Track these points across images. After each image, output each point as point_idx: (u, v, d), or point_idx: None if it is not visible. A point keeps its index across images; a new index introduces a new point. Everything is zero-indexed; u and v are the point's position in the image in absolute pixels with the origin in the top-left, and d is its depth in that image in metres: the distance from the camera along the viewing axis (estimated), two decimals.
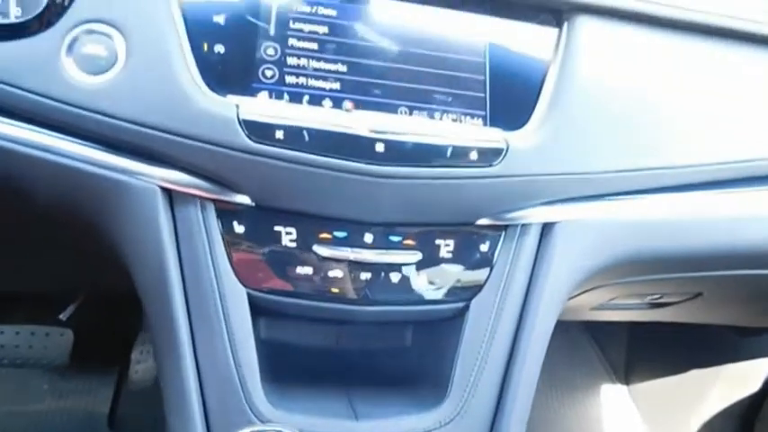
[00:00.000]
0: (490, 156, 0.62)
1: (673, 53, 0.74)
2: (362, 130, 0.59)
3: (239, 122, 0.57)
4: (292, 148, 0.57)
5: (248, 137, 0.57)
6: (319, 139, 0.58)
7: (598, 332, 1.61)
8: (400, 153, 0.60)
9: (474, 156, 0.61)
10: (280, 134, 0.57)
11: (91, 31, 0.57)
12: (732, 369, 1.38)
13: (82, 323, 1.24)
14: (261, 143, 0.57)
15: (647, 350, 1.52)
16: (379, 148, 0.59)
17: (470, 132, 0.63)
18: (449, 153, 0.61)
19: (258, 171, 0.58)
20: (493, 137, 0.63)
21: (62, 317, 1.24)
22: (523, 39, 0.70)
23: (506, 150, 0.62)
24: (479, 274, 0.65)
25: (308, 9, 0.65)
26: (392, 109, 0.64)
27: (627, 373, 1.56)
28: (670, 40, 0.74)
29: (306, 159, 0.58)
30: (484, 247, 0.65)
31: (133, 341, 1.34)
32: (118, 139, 0.57)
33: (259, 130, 0.57)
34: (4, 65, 0.56)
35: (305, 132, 0.58)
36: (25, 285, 1.09)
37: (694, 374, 1.43)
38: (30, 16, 0.58)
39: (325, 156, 0.58)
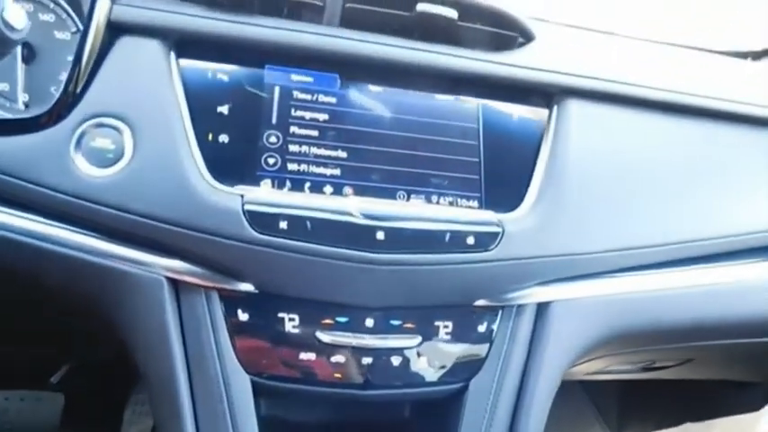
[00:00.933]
0: (487, 240, 0.64)
1: (659, 132, 0.77)
2: (363, 219, 0.61)
3: (244, 214, 0.58)
4: (296, 239, 0.59)
5: (253, 228, 0.58)
6: (322, 229, 0.60)
7: (590, 385, 1.62)
8: (400, 240, 0.61)
9: (471, 241, 0.63)
10: (283, 224, 0.59)
11: (99, 125, 0.59)
12: (727, 422, 1.38)
13: (73, 386, 1.23)
14: (265, 234, 0.58)
15: (641, 403, 1.52)
16: (380, 236, 0.61)
17: (467, 216, 0.65)
18: (447, 239, 0.63)
19: (262, 260, 0.59)
20: (488, 220, 0.65)
21: (53, 380, 1.23)
22: (515, 121, 0.73)
23: (502, 234, 0.64)
24: (478, 355, 0.66)
25: (308, 97, 0.67)
26: (391, 194, 0.66)
27: (620, 427, 1.56)
28: (656, 120, 0.77)
29: (309, 249, 0.59)
30: (481, 328, 0.66)
31: (125, 402, 1.32)
32: (125, 231, 0.58)
33: (263, 222, 0.58)
34: (13, 159, 0.58)
35: (308, 222, 0.59)
36: (18, 350, 1.08)
37: (688, 427, 1.43)
38: (40, 111, 0.59)
39: (327, 245, 0.60)
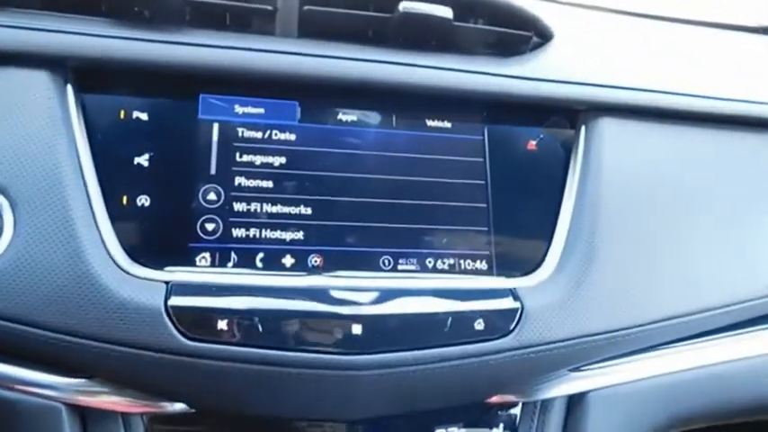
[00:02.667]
0: (501, 323, 0.48)
1: (706, 154, 0.60)
2: (334, 307, 0.45)
3: (167, 313, 0.42)
4: (238, 344, 0.43)
5: (181, 333, 0.42)
6: (276, 328, 0.44)
7: None
8: (383, 336, 0.46)
9: (481, 326, 0.47)
10: (222, 324, 0.43)
11: None
12: None
13: None
14: (197, 341, 0.42)
15: None
16: (356, 330, 0.45)
17: (472, 287, 0.50)
18: (448, 327, 0.47)
19: (197, 374, 0.43)
20: (501, 291, 0.49)
21: None
22: (532, 151, 0.56)
23: (520, 313, 0.48)
24: None
25: (259, 135, 0.51)
26: (372, 262, 0.50)
27: None
28: (701, 137, 0.60)
29: (257, 357, 0.43)
30: (498, 431, 0.51)
31: None
32: (9, 345, 0.42)
33: (194, 322, 0.43)
34: None
35: (255, 319, 0.43)
36: None
37: None
38: None
39: (283, 350, 0.44)
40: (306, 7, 0.51)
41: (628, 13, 0.73)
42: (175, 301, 0.43)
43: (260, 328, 0.43)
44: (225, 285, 0.45)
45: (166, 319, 0.42)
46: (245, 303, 0.44)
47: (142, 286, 0.43)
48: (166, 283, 0.44)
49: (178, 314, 0.43)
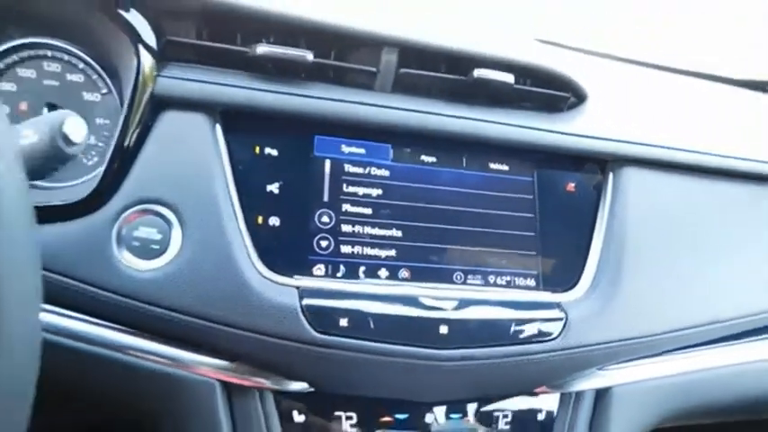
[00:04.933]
0: (551, 330, 0.61)
1: (711, 197, 0.74)
2: (426, 312, 0.58)
3: (302, 312, 0.54)
4: (357, 338, 0.55)
5: (312, 328, 0.54)
6: (384, 326, 0.56)
7: None
8: (464, 334, 0.58)
9: (535, 331, 0.60)
10: (344, 322, 0.55)
11: (144, 212, 0.55)
12: None
13: None
14: (325, 334, 0.54)
15: None
16: (443, 330, 0.57)
17: (528, 301, 0.62)
18: (511, 331, 0.59)
19: (320, 360, 0.55)
20: (550, 305, 0.62)
21: None
22: (570, 191, 0.70)
23: (565, 323, 0.61)
24: None
25: (361, 170, 0.63)
26: (448, 276, 0.62)
27: None
28: (707, 185, 0.74)
29: (371, 348, 0.56)
30: (541, 416, 0.64)
31: None
32: (173, 331, 0.54)
33: (323, 320, 0.55)
34: (53, 251, 0.53)
35: (370, 320, 0.56)
36: None
37: None
38: (79, 195, 0.55)
39: (390, 343, 0.56)
40: (401, 70, 0.64)
41: (652, 66, 0.87)
42: (306, 302, 0.55)
43: (371, 325, 0.56)
44: (342, 291, 0.57)
45: (301, 316, 0.54)
46: (358, 306, 0.56)
47: (280, 290, 0.55)
48: (297, 287, 0.56)
49: (309, 312, 0.54)
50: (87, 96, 0.66)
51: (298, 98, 0.61)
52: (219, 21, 0.60)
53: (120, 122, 0.61)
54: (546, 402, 0.64)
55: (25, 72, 0.64)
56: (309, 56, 0.59)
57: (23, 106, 0.64)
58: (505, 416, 0.62)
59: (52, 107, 0.64)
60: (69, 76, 0.65)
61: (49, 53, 0.64)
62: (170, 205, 0.55)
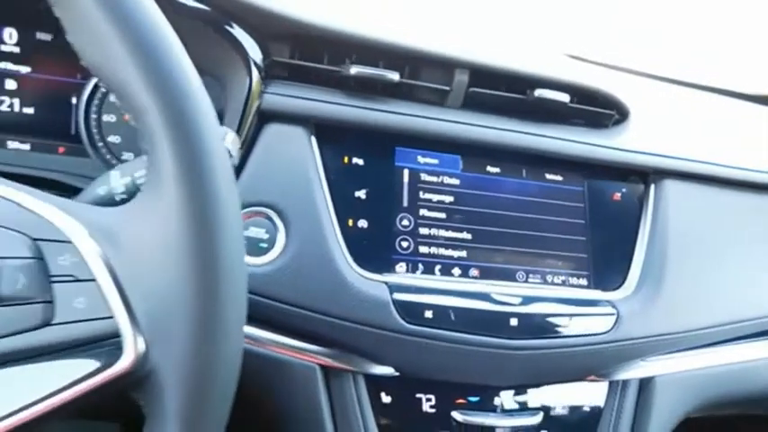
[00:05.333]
0: (604, 324, 0.68)
1: (741, 208, 0.82)
2: (498, 306, 0.65)
3: (393, 304, 0.61)
4: (440, 327, 0.62)
5: (402, 318, 0.61)
6: (463, 318, 0.63)
7: None
8: (530, 327, 0.65)
9: (590, 324, 0.68)
10: (429, 314, 0.62)
11: (253, 214, 0.61)
12: None
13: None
14: (413, 324, 0.61)
15: None
16: (513, 322, 0.65)
17: (583, 298, 0.70)
18: (570, 324, 0.67)
19: (406, 347, 0.62)
20: (603, 302, 0.70)
21: None
22: (616, 200, 0.77)
23: (617, 318, 0.68)
24: (589, 427, 0.71)
25: (435, 179, 0.70)
26: (512, 275, 0.70)
27: None
28: (739, 196, 0.82)
29: (451, 337, 0.63)
30: (592, 402, 0.71)
31: None
32: (278, 320, 0.60)
33: (411, 312, 0.62)
34: None
35: (451, 312, 0.63)
36: None
37: None
38: None
39: (468, 333, 0.63)
40: (471, 89, 0.71)
41: (689, 85, 0.94)
42: (396, 296, 0.62)
43: (452, 317, 0.63)
44: (423, 287, 0.64)
45: (393, 308, 0.61)
46: (439, 300, 0.63)
47: (372, 285, 0.62)
48: (386, 283, 0.63)
49: (399, 305, 0.62)
50: None
51: (381, 113, 0.68)
52: (313, 43, 0.67)
53: None
54: (596, 389, 0.71)
55: None
56: (396, 76, 0.66)
57: (128, 116, 0.71)
58: (562, 401, 0.69)
59: None
60: None
61: None
62: (275, 208, 0.62)
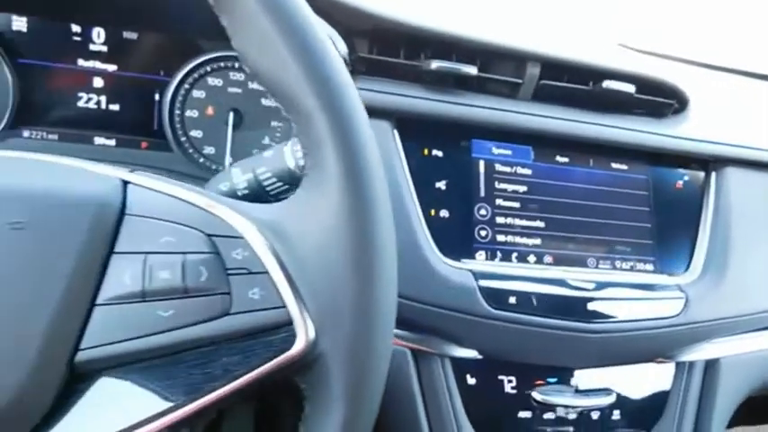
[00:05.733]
0: (674, 308, 0.71)
1: None
2: (576, 292, 0.68)
3: (479, 290, 0.64)
4: (523, 312, 0.65)
5: (488, 304, 0.64)
6: (544, 303, 0.66)
7: None
8: (605, 311, 0.68)
9: (662, 308, 0.70)
10: (512, 299, 0.65)
11: None
12: None
13: None
14: (498, 309, 0.64)
15: None
16: (591, 307, 0.67)
17: (654, 284, 0.72)
18: (644, 308, 0.70)
19: (490, 331, 0.65)
20: (672, 287, 0.72)
21: None
22: (678, 188, 0.80)
23: (686, 302, 0.71)
24: (658, 406, 0.74)
25: (508, 169, 0.73)
26: (584, 262, 0.72)
27: None
28: None
29: (533, 321, 0.66)
30: (660, 383, 0.74)
31: None
32: None
33: (495, 297, 0.65)
34: None
35: (533, 297, 0.66)
36: None
37: None
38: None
39: (549, 317, 0.66)
40: (542, 81, 0.73)
41: (746, 74, 0.96)
42: (481, 283, 0.65)
43: (534, 302, 0.66)
44: (503, 274, 0.67)
45: (479, 294, 0.64)
46: (521, 286, 0.66)
47: (458, 272, 0.65)
48: (470, 270, 0.66)
49: (484, 291, 0.64)
50: (265, 102, 0.75)
51: (458, 106, 0.70)
52: (391, 37, 0.69)
53: None
54: (664, 371, 0.74)
55: (214, 81, 0.73)
56: (474, 70, 0.69)
57: (210, 111, 0.74)
58: (633, 382, 0.72)
59: (236, 112, 0.74)
60: (251, 84, 0.74)
61: (236, 64, 0.73)
62: None
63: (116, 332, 0.34)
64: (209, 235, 0.36)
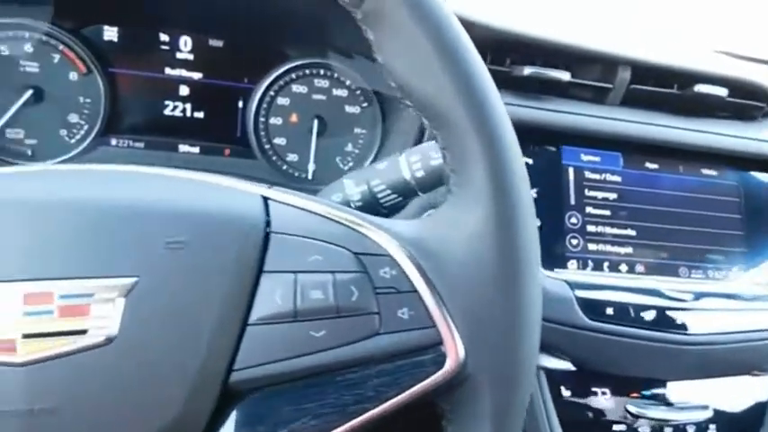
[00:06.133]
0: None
1: None
2: (673, 302, 0.66)
3: (576, 302, 0.63)
4: (620, 323, 0.64)
5: (585, 314, 0.63)
6: (640, 314, 0.64)
7: None
8: (701, 323, 0.66)
9: (758, 320, 0.68)
10: (609, 310, 0.64)
11: None
12: None
13: None
14: (595, 320, 0.63)
15: None
16: (686, 318, 0.66)
17: (748, 295, 0.70)
18: (742, 320, 0.67)
19: (586, 343, 0.64)
20: (764, 298, 0.70)
21: None
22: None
23: None
24: (755, 417, 0.72)
25: (597, 176, 0.71)
26: (675, 271, 0.71)
27: None
28: None
29: (629, 332, 0.64)
30: (756, 396, 0.72)
31: None
32: None
33: (593, 309, 0.63)
34: None
35: (630, 308, 0.64)
36: None
37: None
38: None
39: (644, 328, 0.64)
40: (632, 86, 0.72)
41: None
42: (578, 293, 0.63)
43: (631, 313, 0.64)
44: (597, 284, 0.66)
45: (576, 305, 0.63)
46: (617, 296, 0.65)
47: (553, 282, 0.64)
48: (564, 280, 0.64)
49: (582, 302, 0.63)
50: (349, 109, 0.74)
51: (548, 113, 0.69)
52: (478, 43, 0.68)
53: (380, 133, 0.70)
54: (760, 384, 0.72)
55: (299, 88, 0.73)
56: (567, 75, 0.67)
57: (294, 118, 0.73)
58: (729, 395, 0.70)
59: (320, 119, 0.73)
60: (335, 91, 0.74)
61: (321, 71, 0.73)
62: None
63: (269, 352, 0.34)
64: (355, 253, 0.36)
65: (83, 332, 0.30)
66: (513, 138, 0.36)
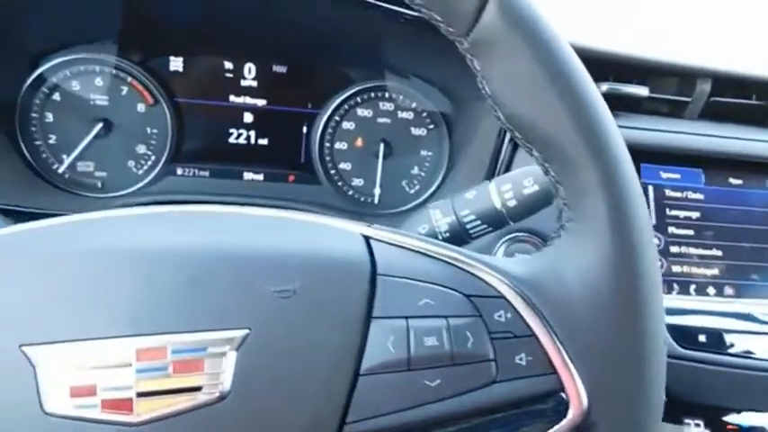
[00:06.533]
0: None
1: None
2: (765, 327, 0.62)
3: (667, 329, 0.59)
4: (715, 351, 0.60)
5: (677, 343, 0.59)
6: (735, 341, 0.61)
7: None
8: None
9: None
10: (702, 338, 0.60)
11: (525, 240, 0.61)
12: None
13: None
14: (688, 348, 0.60)
15: None
16: None
17: None
18: None
19: (678, 372, 0.60)
20: None
21: None
22: None
23: None
24: None
25: (678, 194, 0.68)
26: (766, 292, 0.66)
27: None
28: None
29: (724, 361, 0.60)
30: None
31: None
32: None
33: (685, 336, 0.60)
34: None
35: (723, 335, 0.60)
36: None
37: None
38: None
39: (741, 357, 0.61)
40: (712, 98, 0.68)
41: None
42: (668, 320, 0.60)
43: (725, 340, 0.60)
44: (686, 309, 0.62)
45: (667, 333, 0.59)
46: (708, 322, 0.61)
47: None
48: None
49: (673, 329, 0.60)
50: (415, 132, 0.73)
51: (627, 130, 0.66)
52: None
53: (447, 155, 0.68)
54: None
55: (363, 112, 0.72)
56: (645, 91, 0.64)
57: (359, 142, 0.72)
58: None
59: (385, 143, 0.72)
60: (401, 114, 0.72)
61: (386, 94, 0.72)
62: (539, 233, 0.61)
63: (383, 404, 0.32)
64: (467, 296, 0.34)
65: (197, 389, 0.29)
66: (632, 168, 0.34)
